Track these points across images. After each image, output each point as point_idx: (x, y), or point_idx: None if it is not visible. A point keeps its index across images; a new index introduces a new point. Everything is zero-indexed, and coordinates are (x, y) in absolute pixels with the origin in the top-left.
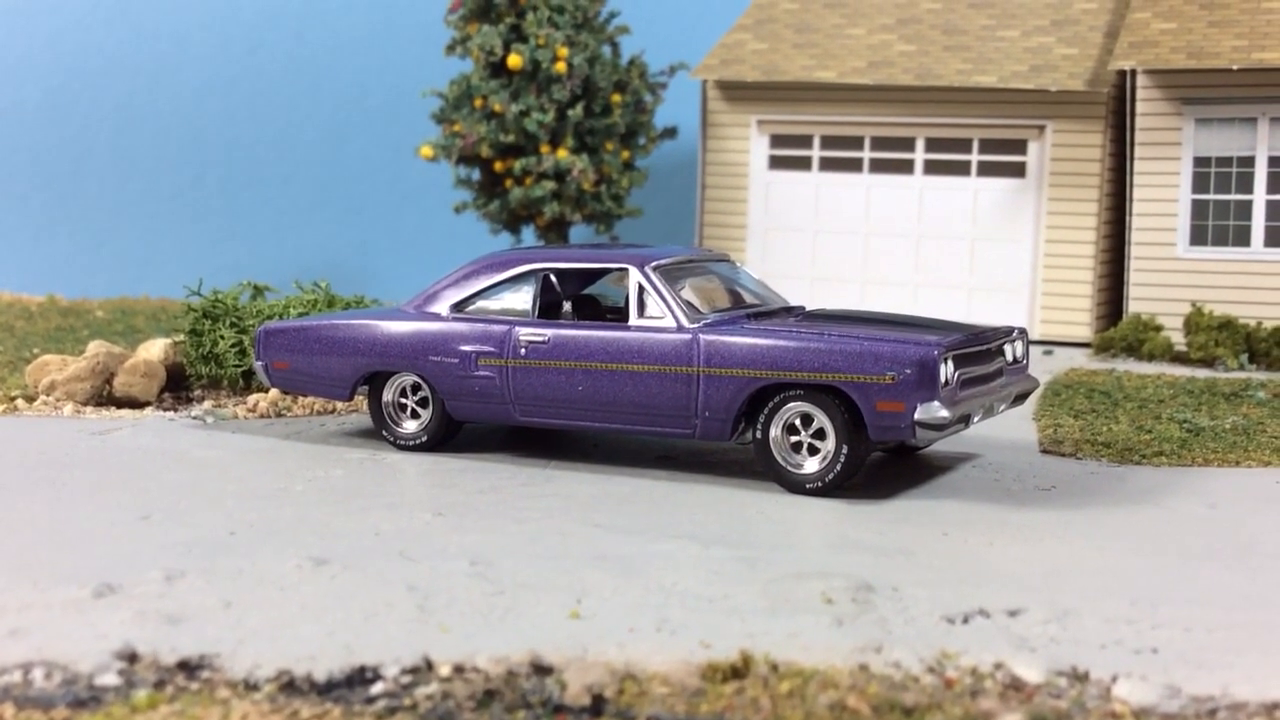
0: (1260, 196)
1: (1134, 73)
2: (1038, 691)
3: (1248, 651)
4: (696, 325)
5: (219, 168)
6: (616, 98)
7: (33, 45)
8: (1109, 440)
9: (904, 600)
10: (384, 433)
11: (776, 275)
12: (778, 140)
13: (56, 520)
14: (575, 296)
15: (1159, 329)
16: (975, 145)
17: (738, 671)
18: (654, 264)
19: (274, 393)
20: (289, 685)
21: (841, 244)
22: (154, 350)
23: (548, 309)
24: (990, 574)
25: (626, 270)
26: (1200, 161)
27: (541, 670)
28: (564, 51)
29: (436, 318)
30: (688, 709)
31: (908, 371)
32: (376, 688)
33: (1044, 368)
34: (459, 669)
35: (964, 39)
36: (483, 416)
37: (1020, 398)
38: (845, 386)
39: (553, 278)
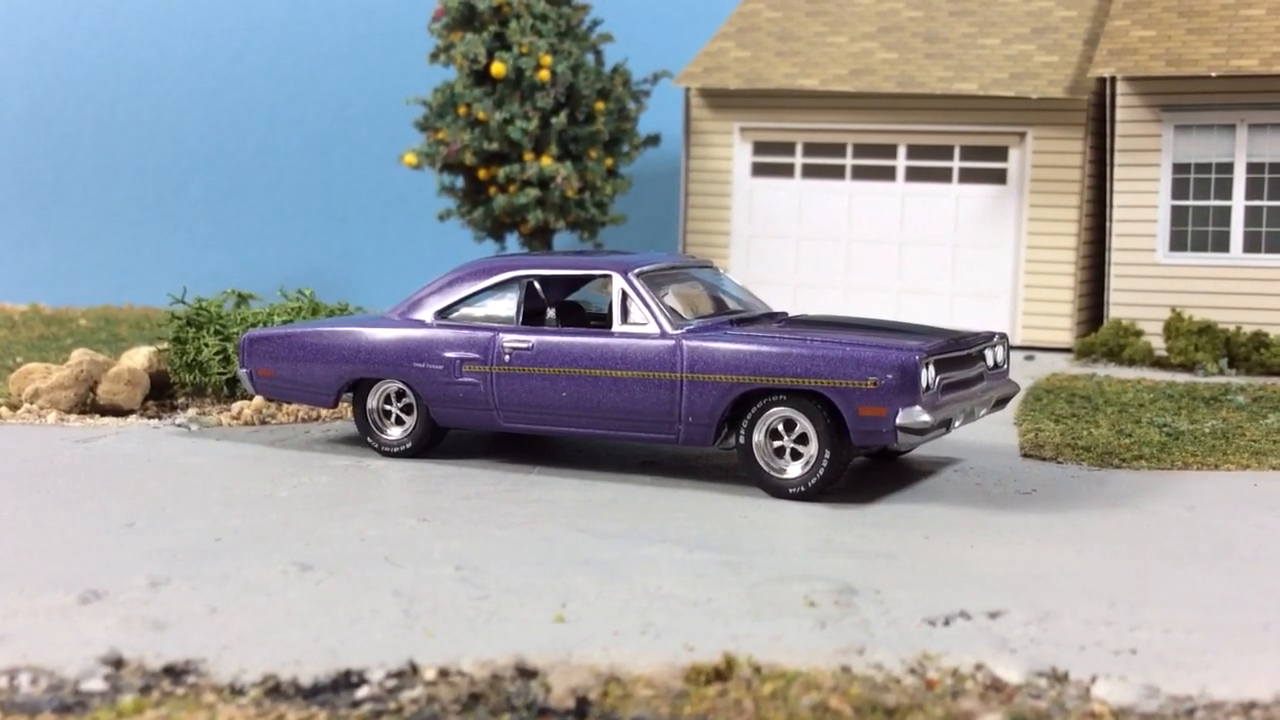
0: (1239, 202)
1: (1113, 80)
2: (1018, 692)
3: (1225, 652)
4: (680, 331)
5: (202, 175)
6: (600, 105)
7: (15, 54)
8: (1089, 444)
9: (886, 603)
10: (368, 439)
11: (760, 281)
12: (761, 147)
13: (42, 527)
14: (559, 303)
15: (1139, 334)
16: (957, 152)
17: (721, 674)
18: (637, 270)
19: (258, 400)
20: (274, 690)
21: (824, 250)
22: (138, 358)
23: (532, 315)
24: (971, 576)
25: (610, 276)
26: (1179, 168)
27: (526, 674)
28: (547, 59)
29: (421, 324)
30: (671, 711)
31: (889, 376)
32: (362, 692)
33: (1025, 373)
34: (444, 673)
35: (945, 47)
36: (467, 423)
37: (1001, 402)
38: (828, 391)
39: (536, 284)
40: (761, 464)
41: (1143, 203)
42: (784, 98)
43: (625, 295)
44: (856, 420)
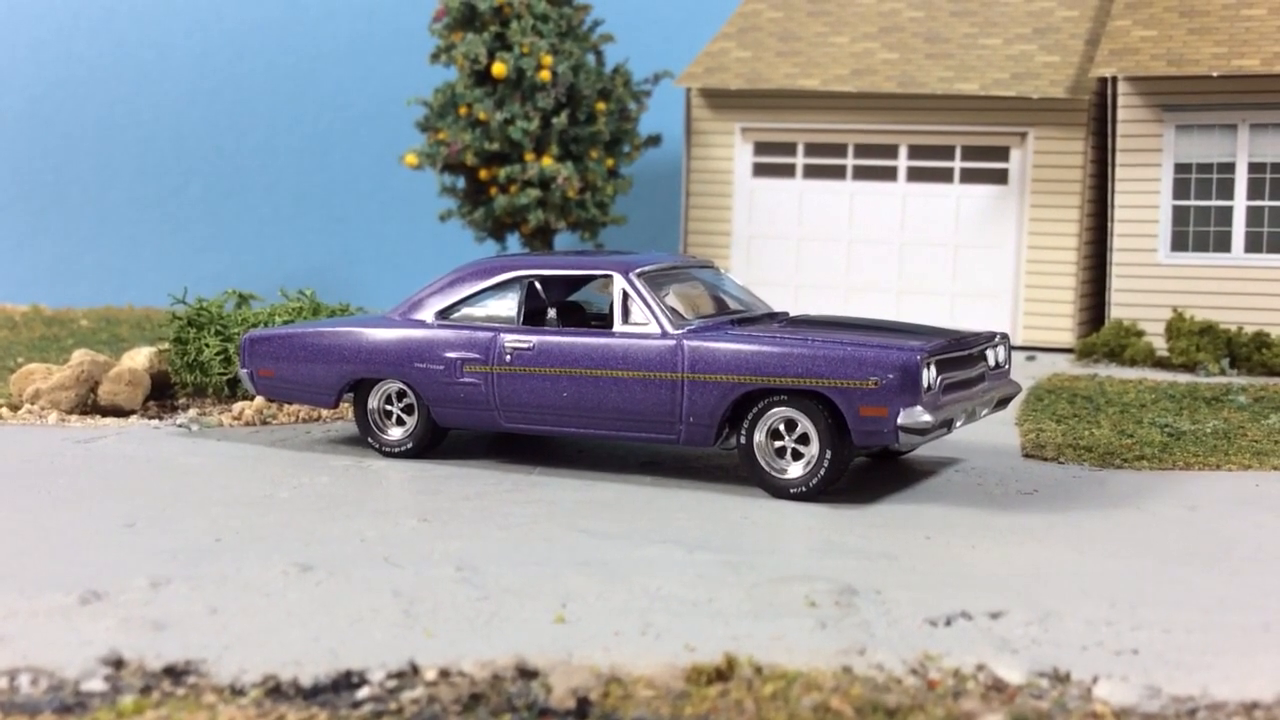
0: (1240, 202)
1: (1115, 80)
2: (1019, 692)
3: (1226, 652)
4: (680, 331)
5: (202, 176)
6: (601, 106)
7: (15, 54)
8: (1090, 444)
9: (887, 603)
10: (369, 440)
11: (761, 282)
12: (762, 148)
13: (42, 528)
14: (560, 303)
15: (1141, 334)
16: (958, 152)
17: (722, 674)
18: (638, 270)
19: (259, 400)
20: (275, 690)
21: (825, 251)
22: (139, 359)
23: (532, 316)
24: (972, 577)
25: (611, 277)
26: (1181, 168)
27: (527, 674)
28: (548, 60)
29: (421, 325)
30: (672, 711)
31: (891, 376)
32: (362, 692)
33: (1026, 373)
34: (444, 673)
35: (946, 47)
36: (468, 423)
37: (1002, 403)
38: (829, 391)
39: (537, 285)
40: (762, 464)
41: (1144, 203)
42: (785, 98)
43: (626, 295)
44: (858, 420)
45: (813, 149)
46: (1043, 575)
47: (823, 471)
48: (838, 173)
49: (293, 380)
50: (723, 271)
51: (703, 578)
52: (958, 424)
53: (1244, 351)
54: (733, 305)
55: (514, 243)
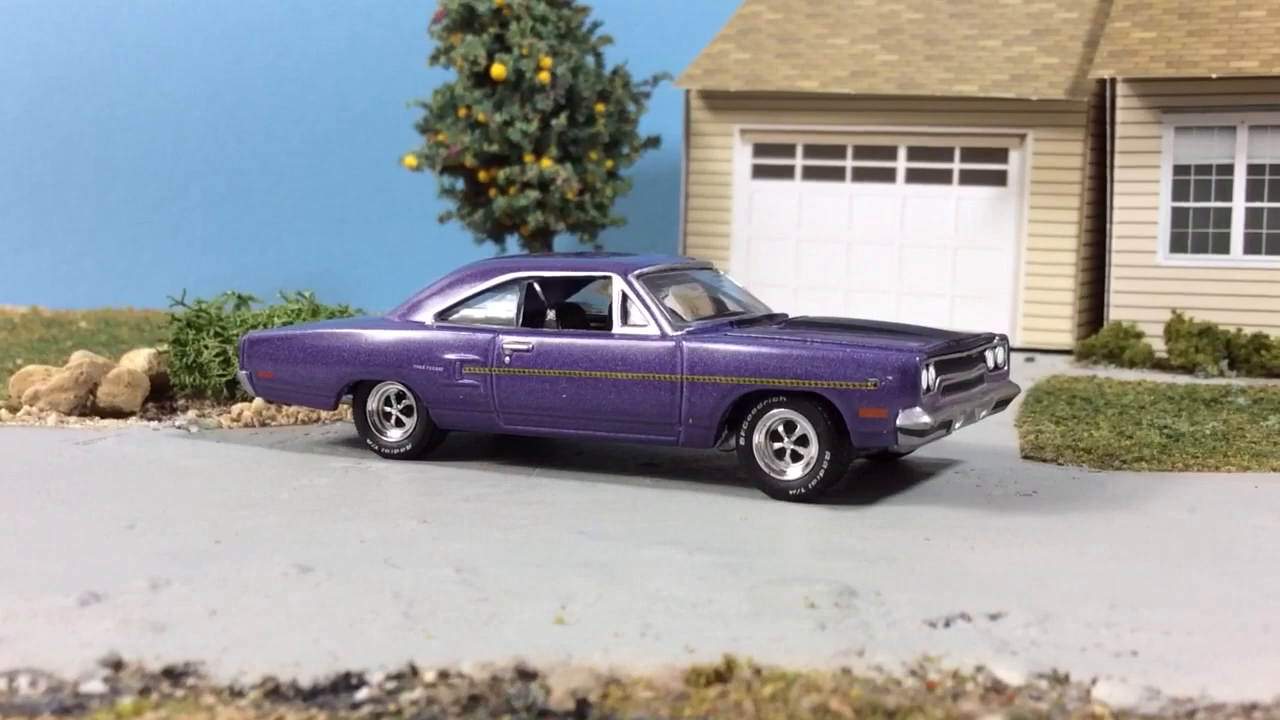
0: (1239, 204)
1: (1114, 81)
2: (1018, 694)
3: (1226, 653)
4: (680, 333)
5: (202, 178)
6: (600, 107)
7: (15, 56)
8: (1090, 446)
9: (886, 604)
10: (368, 441)
11: (760, 284)
12: (761, 149)
13: (41, 529)
14: (559, 305)
15: (1140, 336)
16: (957, 154)
17: (721, 675)
18: (637, 272)
19: (258, 402)
20: (274, 692)
21: (824, 252)
22: (138, 360)
23: (532, 317)
24: (971, 578)
25: (610, 278)
26: (1180, 169)
27: (526, 675)
28: (547, 61)
29: (421, 326)
30: (672, 713)
31: (890, 378)
32: (362, 694)
33: (1025, 374)
34: (444, 675)
35: (945, 49)
36: (467, 425)
37: (1002, 404)
38: (828, 393)
39: (536, 286)
40: (762, 466)
41: (1143, 204)
42: (784, 99)
43: (625, 297)
44: (857, 422)
45: (812, 150)
46: (1042, 576)
47: (822, 473)
48: (837, 174)
49: (292, 382)
50: (722, 273)
51: (702, 579)
52: (957, 425)
53: (1243, 353)
54: (732, 307)
55: (513, 244)
